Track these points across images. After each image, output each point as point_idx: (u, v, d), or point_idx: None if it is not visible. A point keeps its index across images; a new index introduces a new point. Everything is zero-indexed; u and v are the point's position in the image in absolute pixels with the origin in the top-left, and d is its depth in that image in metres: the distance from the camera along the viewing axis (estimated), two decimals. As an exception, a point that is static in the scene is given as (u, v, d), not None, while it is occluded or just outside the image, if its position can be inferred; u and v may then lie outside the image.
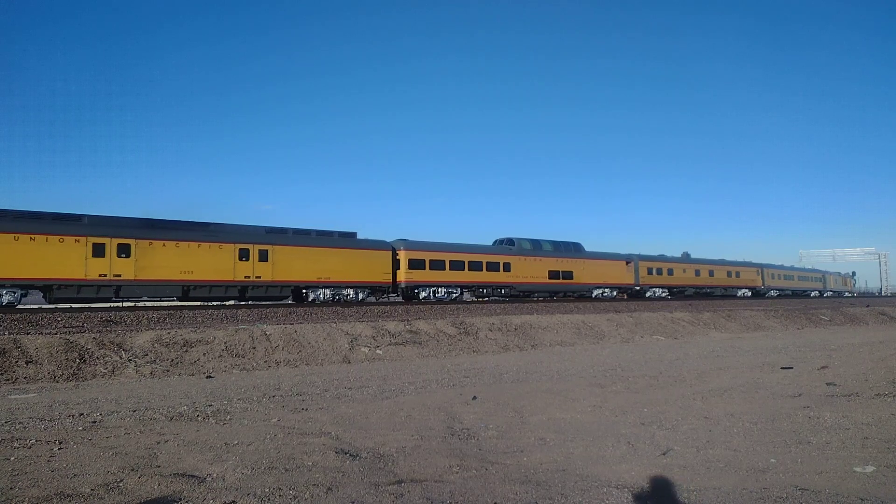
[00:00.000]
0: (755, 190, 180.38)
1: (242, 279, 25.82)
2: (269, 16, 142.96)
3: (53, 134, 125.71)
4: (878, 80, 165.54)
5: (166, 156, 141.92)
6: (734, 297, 52.14)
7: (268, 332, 17.54)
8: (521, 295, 36.21)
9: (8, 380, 12.58)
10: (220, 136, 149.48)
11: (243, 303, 26.80)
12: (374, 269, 29.78)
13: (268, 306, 24.45)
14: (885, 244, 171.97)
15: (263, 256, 26.30)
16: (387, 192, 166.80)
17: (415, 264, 31.36)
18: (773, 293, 58.91)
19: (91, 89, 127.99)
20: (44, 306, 22.11)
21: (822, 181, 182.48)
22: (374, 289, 30.13)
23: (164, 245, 23.96)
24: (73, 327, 16.73)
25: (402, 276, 30.82)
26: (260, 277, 26.17)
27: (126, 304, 23.70)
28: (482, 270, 34.07)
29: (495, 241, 38.01)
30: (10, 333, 14.97)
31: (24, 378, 12.78)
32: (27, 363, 13.30)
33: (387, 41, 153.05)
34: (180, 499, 5.01)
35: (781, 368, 13.53)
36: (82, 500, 4.97)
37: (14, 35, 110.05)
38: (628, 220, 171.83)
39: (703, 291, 49.54)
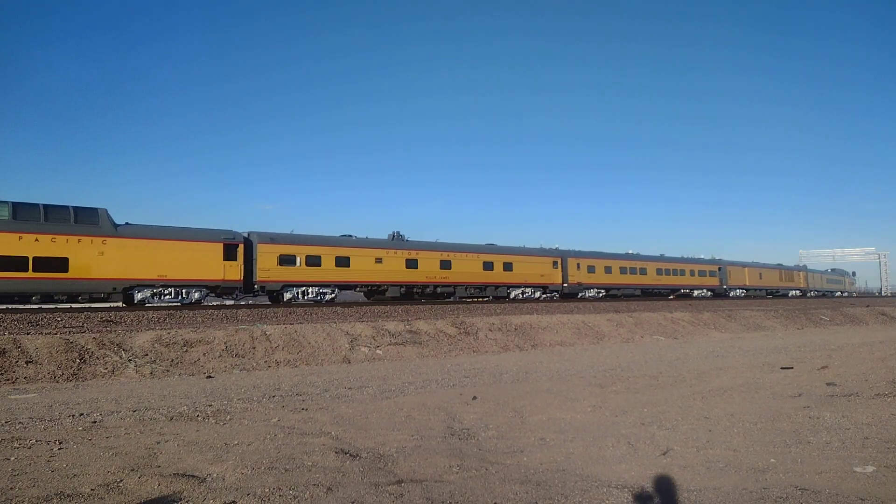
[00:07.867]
0: (755, 189, 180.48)
1: None
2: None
3: (46, 130, 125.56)
4: (878, 78, 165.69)
5: (165, 154, 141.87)
6: (505, 299, 34.82)
7: (268, 332, 17.54)
8: None
9: (8, 380, 12.58)
10: (220, 133, 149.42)
11: (243, 302, 24.33)
12: None
13: (267, 306, 24.26)
14: (885, 244, 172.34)
15: None
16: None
17: None
18: (590, 293, 41.82)
19: (85, 86, 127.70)
20: (43, 306, 21.97)
21: (822, 181, 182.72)
22: None
23: None
24: (73, 327, 16.73)
25: None
26: None
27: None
28: None
29: None
30: (10, 333, 14.97)
31: (24, 378, 12.78)
32: (27, 363, 13.31)
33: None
34: (180, 499, 5.01)
35: (781, 368, 13.54)
36: (82, 500, 4.97)
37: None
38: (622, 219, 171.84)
39: (427, 291, 32.45)
